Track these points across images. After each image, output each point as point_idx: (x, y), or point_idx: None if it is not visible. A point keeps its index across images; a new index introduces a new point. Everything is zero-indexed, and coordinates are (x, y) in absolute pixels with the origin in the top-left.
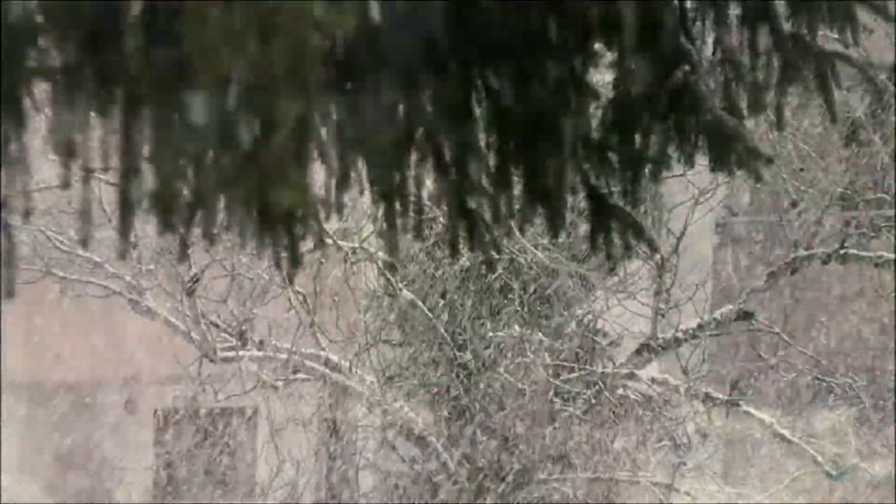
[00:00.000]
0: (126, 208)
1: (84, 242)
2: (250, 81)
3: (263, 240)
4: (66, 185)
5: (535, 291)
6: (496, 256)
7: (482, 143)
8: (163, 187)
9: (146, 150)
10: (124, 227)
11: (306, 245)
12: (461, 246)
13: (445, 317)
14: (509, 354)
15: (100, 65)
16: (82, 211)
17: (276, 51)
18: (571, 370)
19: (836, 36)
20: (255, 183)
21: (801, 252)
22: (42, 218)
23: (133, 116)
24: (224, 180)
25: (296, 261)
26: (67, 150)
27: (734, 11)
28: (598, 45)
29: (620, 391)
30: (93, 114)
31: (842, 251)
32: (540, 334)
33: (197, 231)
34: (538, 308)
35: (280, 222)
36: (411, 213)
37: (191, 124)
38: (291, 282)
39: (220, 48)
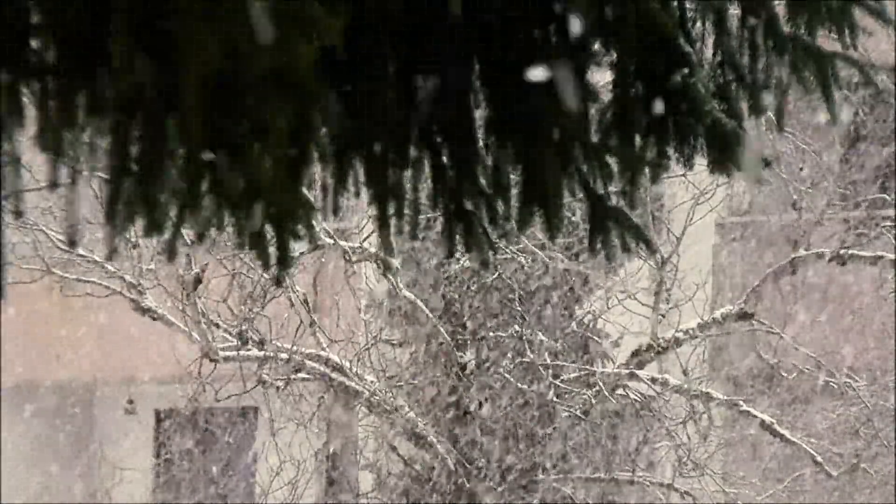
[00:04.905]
0: (114, 210)
1: (72, 243)
2: (241, 83)
3: (254, 242)
4: (53, 185)
5: (535, 291)
6: (493, 257)
7: (480, 144)
8: (150, 189)
9: (134, 151)
10: (113, 229)
11: (303, 247)
12: (458, 247)
13: (445, 317)
14: (509, 354)
15: (90, 66)
16: (69, 212)
17: (267, 52)
18: (571, 370)
19: (836, 37)
20: (245, 185)
21: (801, 252)
22: (42, 217)
23: (122, 117)
24: (215, 182)
25: (286, 263)
26: (56, 151)
27: (734, 12)
28: (597, 46)
29: (620, 391)
30: (81, 113)
31: (842, 251)
32: (540, 334)
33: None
34: (538, 308)
35: (271, 224)
36: (407, 214)
37: (180, 126)
38: (280, 284)
39: (210, 50)
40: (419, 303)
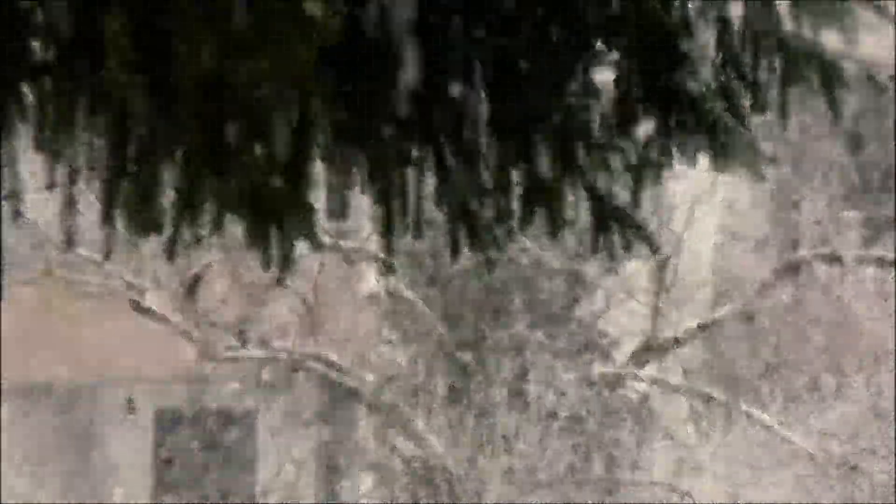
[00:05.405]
0: (112, 210)
1: (69, 242)
2: (241, 83)
3: (256, 242)
4: (51, 185)
5: (535, 291)
6: (497, 256)
7: (483, 143)
8: (150, 189)
9: (132, 152)
10: (110, 229)
11: (304, 248)
12: (461, 246)
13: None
14: (510, 354)
15: (89, 66)
16: (67, 212)
17: (266, 52)
18: (571, 370)
19: (838, 36)
20: (247, 185)
21: (802, 252)
22: (42, 217)
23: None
24: (216, 182)
25: (287, 264)
26: (55, 151)
27: (736, 11)
28: (599, 45)
29: (620, 391)
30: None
31: (842, 251)
32: (540, 334)
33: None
34: (539, 308)
35: (272, 224)
36: (411, 213)
37: (179, 127)
38: (281, 284)
39: (210, 50)
40: (419, 303)
